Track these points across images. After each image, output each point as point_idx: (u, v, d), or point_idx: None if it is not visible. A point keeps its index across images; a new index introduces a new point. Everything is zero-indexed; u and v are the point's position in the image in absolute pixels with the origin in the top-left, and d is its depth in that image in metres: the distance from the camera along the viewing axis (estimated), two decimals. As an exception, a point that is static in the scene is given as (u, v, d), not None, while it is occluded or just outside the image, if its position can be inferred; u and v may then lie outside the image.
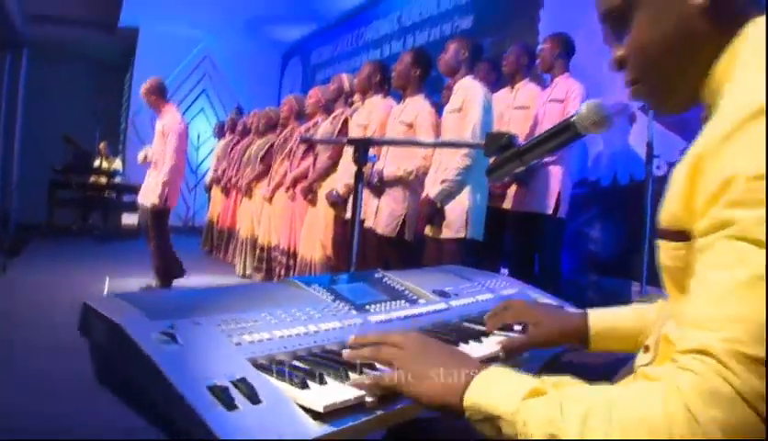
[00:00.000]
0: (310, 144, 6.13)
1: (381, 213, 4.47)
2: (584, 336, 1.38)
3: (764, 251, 0.69)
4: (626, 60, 1.03)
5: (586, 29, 5.11)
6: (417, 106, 4.49)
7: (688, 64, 0.96)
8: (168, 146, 6.18)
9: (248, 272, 7.35)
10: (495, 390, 0.87)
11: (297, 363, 1.09)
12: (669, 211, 0.88)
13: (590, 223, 5.26)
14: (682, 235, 0.85)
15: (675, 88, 1.00)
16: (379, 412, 0.99)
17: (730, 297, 0.70)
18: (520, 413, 0.81)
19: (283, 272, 6.46)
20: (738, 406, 0.66)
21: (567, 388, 0.81)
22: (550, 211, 4.48)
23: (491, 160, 1.54)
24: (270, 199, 6.94)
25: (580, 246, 5.29)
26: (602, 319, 1.38)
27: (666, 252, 0.91)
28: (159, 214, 6.30)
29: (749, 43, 0.90)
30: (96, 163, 11.77)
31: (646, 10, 0.97)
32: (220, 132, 10.34)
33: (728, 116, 0.78)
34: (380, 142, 4.41)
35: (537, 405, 0.80)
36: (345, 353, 1.11)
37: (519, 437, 0.80)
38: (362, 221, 4.36)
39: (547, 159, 4.42)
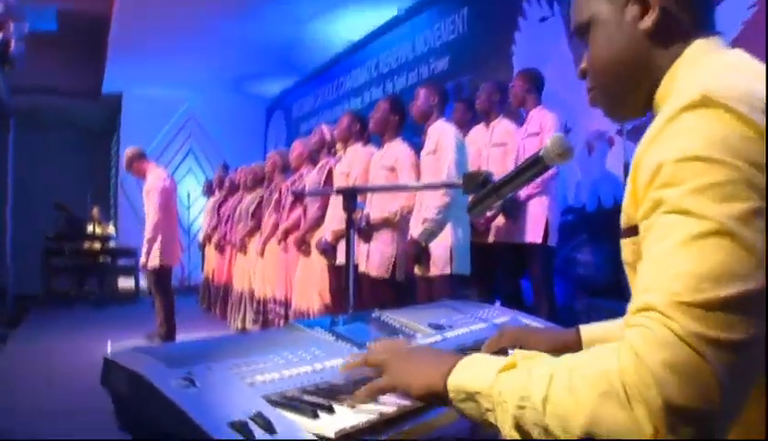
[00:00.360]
0: (297, 196, 6.24)
1: (372, 256, 4.59)
2: (578, 350, 1.47)
3: (692, 218, 0.80)
4: (587, 71, 1.18)
5: (558, 60, 5.28)
6: (396, 149, 4.65)
7: (635, 79, 1.10)
8: (150, 204, 6.34)
9: (247, 325, 7.40)
10: (475, 371, 0.97)
11: (306, 397, 1.16)
12: (624, 212, 1.00)
13: (580, 248, 5.34)
14: (634, 230, 0.95)
15: (624, 99, 1.14)
16: (386, 436, 1.06)
17: (667, 260, 0.81)
18: (495, 387, 0.91)
19: (281, 323, 6.51)
20: (678, 347, 0.75)
21: (537, 358, 0.92)
22: (540, 240, 4.58)
23: (470, 197, 1.64)
24: (262, 253, 7.03)
25: (572, 272, 5.37)
26: (592, 332, 1.47)
27: (626, 248, 1.03)
28: (157, 273, 6.40)
29: (685, 63, 1.04)
30: (89, 228, 11.82)
31: (601, 30, 1.12)
32: (209, 190, 10.43)
33: (657, 119, 0.91)
34: (367, 189, 4.53)
35: (510, 376, 0.90)
36: (340, 368, 1.22)
37: (496, 407, 0.90)
38: (355, 266, 4.47)
39: (532, 190, 4.56)
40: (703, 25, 1.07)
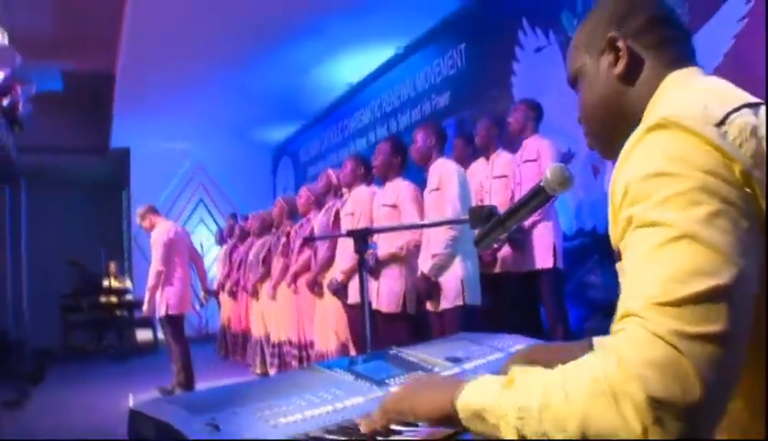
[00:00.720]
0: (307, 241, 6.31)
1: (382, 292, 4.65)
2: None
3: (658, 227, 0.87)
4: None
5: (559, 87, 5.32)
6: (397, 187, 4.75)
7: (618, 122, 1.20)
8: (154, 254, 6.63)
9: (265, 370, 7.43)
10: (481, 390, 1.00)
11: (329, 436, 1.18)
12: (611, 236, 1.05)
13: (594, 271, 5.33)
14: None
15: (612, 141, 1.22)
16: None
17: (641, 268, 0.87)
18: (497, 402, 0.94)
19: (296, 364, 6.56)
20: (656, 344, 0.80)
21: (533, 372, 0.95)
22: (551, 265, 4.66)
23: (477, 232, 1.68)
24: (273, 297, 7.09)
25: (588, 295, 5.37)
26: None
27: (620, 271, 1.06)
28: (169, 321, 6.56)
29: (659, 97, 1.13)
30: (105, 283, 11.90)
31: (585, 79, 1.25)
32: (221, 239, 10.51)
33: (626, 145, 0.99)
34: (378, 230, 4.59)
35: (511, 390, 0.94)
36: (361, 427, 1.23)
37: (500, 422, 0.93)
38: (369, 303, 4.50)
39: (535, 218, 4.62)
40: (677, 60, 1.17)
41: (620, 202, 0.95)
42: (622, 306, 0.88)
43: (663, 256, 0.85)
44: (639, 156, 0.94)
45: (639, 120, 1.12)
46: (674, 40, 1.18)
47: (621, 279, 1.08)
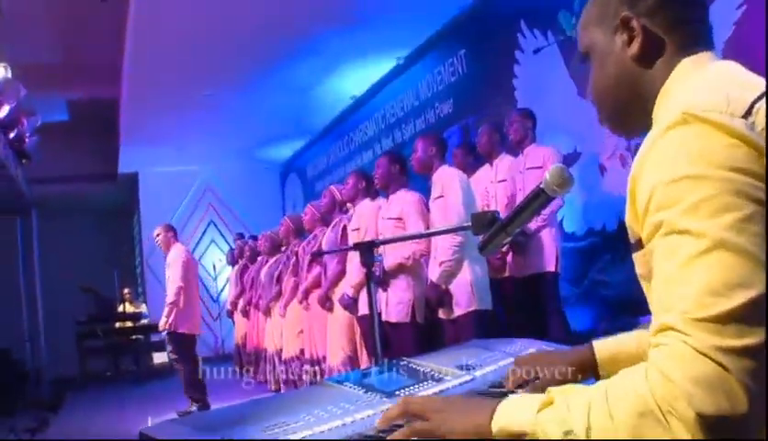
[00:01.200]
0: (316, 256, 6.34)
1: (390, 303, 4.66)
2: (593, 366, 1.46)
3: (690, 236, 0.85)
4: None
5: (562, 87, 5.33)
6: (401, 200, 4.76)
7: (630, 101, 1.18)
8: (173, 273, 6.76)
9: (280, 387, 7.46)
10: (516, 412, 0.98)
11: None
12: (628, 227, 1.05)
13: (606, 270, 5.31)
14: (641, 243, 1.00)
15: (623, 119, 1.22)
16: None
17: (675, 280, 0.86)
18: (538, 425, 0.93)
19: (309, 379, 6.60)
20: (699, 361, 0.80)
21: (571, 391, 0.94)
22: (554, 269, 4.73)
23: (481, 238, 1.67)
24: (284, 314, 7.14)
25: (600, 294, 5.34)
26: (606, 347, 1.47)
27: (637, 261, 1.07)
28: (180, 341, 6.60)
29: (675, 81, 1.10)
30: (120, 308, 11.93)
31: (597, 57, 1.21)
32: (233, 260, 10.52)
33: (646, 140, 0.97)
34: (384, 242, 4.59)
35: (551, 412, 0.93)
36: (378, 421, 1.21)
37: None
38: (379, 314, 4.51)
39: (539, 224, 4.66)
40: (692, 42, 1.13)
41: (645, 205, 0.94)
42: (658, 318, 0.87)
43: (698, 268, 0.84)
44: (662, 156, 0.93)
45: (652, 101, 1.12)
46: (689, 21, 1.15)
47: (637, 270, 1.08)
